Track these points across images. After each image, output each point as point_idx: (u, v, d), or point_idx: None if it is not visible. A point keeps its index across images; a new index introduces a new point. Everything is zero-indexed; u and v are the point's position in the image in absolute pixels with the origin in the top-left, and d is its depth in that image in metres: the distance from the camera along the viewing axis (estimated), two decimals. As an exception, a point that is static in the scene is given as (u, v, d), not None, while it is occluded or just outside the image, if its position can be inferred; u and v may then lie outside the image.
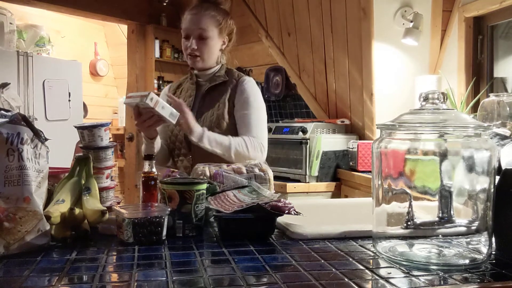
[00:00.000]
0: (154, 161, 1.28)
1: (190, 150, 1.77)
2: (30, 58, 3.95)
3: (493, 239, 0.95)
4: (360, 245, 1.06)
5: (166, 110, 1.55)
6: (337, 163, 3.14)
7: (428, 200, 0.98)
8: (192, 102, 1.82)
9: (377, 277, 0.85)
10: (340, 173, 3.13)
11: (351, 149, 3.05)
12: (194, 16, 1.73)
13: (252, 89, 1.77)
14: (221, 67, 1.82)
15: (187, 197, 1.14)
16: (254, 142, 1.70)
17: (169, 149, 1.87)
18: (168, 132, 1.84)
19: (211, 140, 1.65)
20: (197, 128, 1.64)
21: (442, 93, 0.99)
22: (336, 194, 3.12)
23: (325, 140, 3.08)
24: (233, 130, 1.74)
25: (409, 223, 0.98)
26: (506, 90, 2.75)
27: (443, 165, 0.95)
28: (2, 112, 1.03)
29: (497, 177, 0.96)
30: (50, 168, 1.11)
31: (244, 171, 1.43)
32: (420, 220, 0.99)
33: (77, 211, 1.08)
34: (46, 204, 1.09)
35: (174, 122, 1.59)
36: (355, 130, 3.31)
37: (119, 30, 5.67)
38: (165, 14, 4.97)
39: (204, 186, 1.18)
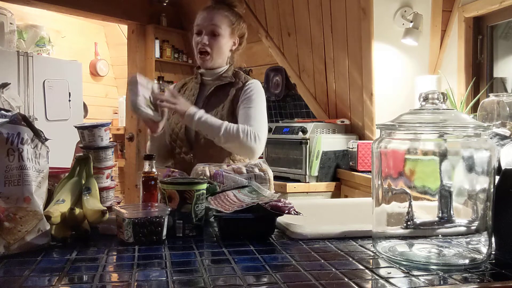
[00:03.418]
0: (154, 161, 1.28)
1: (192, 149, 1.77)
2: (30, 58, 3.95)
3: (493, 239, 0.95)
4: (360, 245, 1.06)
5: (147, 111, 1.60)
6: (337, 163, 3.14)
7: (428, 200, 0.98)
8: (195, 101, 1.82)
9: (377, 277, 0.85)
10: (340, 173, 3.13)
11: (351, 149, 3.05)
12: (208, 13, 1.75)
13: (257, 90, 1.78)
14: (229, 68, 1.82)
15: (187, 197, 1.14)
16: (248, 129, 1.66)
17: (171, 147, 1.86)
18: (169, 130, 1.84)
19: (200, 122, 1.64)
20: (190, 110, 1.64)
21: (442, 93, 0.99)
22: (336, 194, 3.12)
23: (325, 140, 3.08)
24: None
25: (409, 223, 0.98)
26: (506, 90, 2.75)
27: (443, 165, 0.95)
28: (2, 112, 1.03)
29: (497, 177, 0.97)
30: (50, 168, 1.11)
31: (244, 171, 1.43)
32: (420, 220, 0.99)
33: (77, 211, 1.09)
34: (46, 204, 1.09)
35: (159, 118, 1.63)
36: (355, 130, 3.31)
37: (119, 30, 5.66)
38: (165, 14, 4.97)
39: (204, 186, 1.18)
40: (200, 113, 1.65)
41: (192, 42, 1.79)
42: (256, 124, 1.71)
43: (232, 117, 1.74)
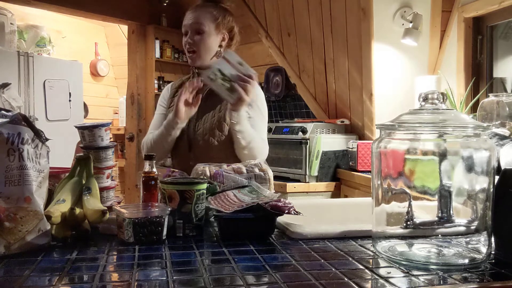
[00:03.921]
0: (154, 161, 1.28)
1: (191, 150, 1.77)
2: (30, 58, 3.96)
3: (493, 239, 0.95)
4: (359, 245, 1.06)
5: (223, 87, 1.57)
6: (336, 163, 3.14)
7: (428, 200, 0.98)
8: None
9: (376, 277, 0.85)
10: (339, 173, 3.13)
11: (350, 149, 3.05)
12: (192, 13, 1.77)
13: (256, 91, 1.77)
14: None
15: (187, 197, 1.14)
16: (264, 151, 1.75)
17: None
18: None
19: (242, 129, 1.66)
20: (242, 111, 1.64)
21: (442, 93, 0.99)
22: (336, 194, 3.12)
23: (324, 140, 3.08)
24: None
25: (408, 222, 0.98)
26: (505, 90, 2.75)
27: (442, 165, 0.95)
28: (3, 112, 1.03)
29: (497, 177, 0.97)
30: (50, 168, 1.11)
31: (244, 171, 1.43)
32: (420, 220, 0.99)
33: (77, 211, 1.09)
34: (47, 204, 1.09)
35: (231, 100, 1.58)
36: (354, 130, 3.32)
37: (119, 31, 5.67)
38: (165, 15, 4.97)
39: (204, 186, 1.18)
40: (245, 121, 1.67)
41: (182, 43, 1.80)
42: (264, 137, 1.77)
43: (230, 119, 1.73)
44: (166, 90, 1.94)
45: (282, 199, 1.17)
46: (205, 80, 1.58)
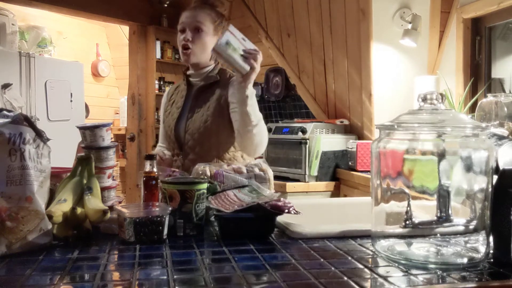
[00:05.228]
0: (155, 161, 1.29)
1: (182, 150, 1.78)
2: (32, 59, 3.96)
3: (491, 238, 0.96)
4: (359, 244, 1.07)
5: (236, 55, 1.50)
6: (336, 163, 3.15)
7: (427, 199, 0.99)
8: (183, 102, 1.83)
9: (376, 276, 0.86)
10: (339, 172, 3.14)
11: (350, 149, 3.06)
12: (191, 12, 1.78)
13: None
14: (215, 67, 1.83)
15: (188, 196, 1.15)
16: (266, 133, 1.74)
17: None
18: (164, 132, 1.88)
19: (254, 104, 1.62)
20: (250, 87, 1.59)
21: (440, 94, 1.00)
22: (335, 193, 3.13)
23: (324, 140, 3.09)
24: (222, 130, 1.74)
25: (407, 222, 0.99)
26: (503, 91, 2.75)
27: (441, 165, 0.96)
28: (5, 112, 1.04)
29: (495, 177, 0.97)
30: (52, 167, 1.12)
31: (244, 170, 1.44)
32: (419, 219, 1.00)
33: (79, 210, 1.09)
34: (48, 204, 1.10)
35: (245, 69, 1.52)
36: (354, 130, 3.32)
37: (120, 31, 5.67)
38: (166, 15, 4.98)
39: (205, 185, 1.19)
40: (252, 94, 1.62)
41: (177, 41, 1.79)
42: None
43: (219, 117, 1.73)
44: (164, 97, 1.99)
45: (282, 199, 1.17)
46: (219, 48, 1.49)
